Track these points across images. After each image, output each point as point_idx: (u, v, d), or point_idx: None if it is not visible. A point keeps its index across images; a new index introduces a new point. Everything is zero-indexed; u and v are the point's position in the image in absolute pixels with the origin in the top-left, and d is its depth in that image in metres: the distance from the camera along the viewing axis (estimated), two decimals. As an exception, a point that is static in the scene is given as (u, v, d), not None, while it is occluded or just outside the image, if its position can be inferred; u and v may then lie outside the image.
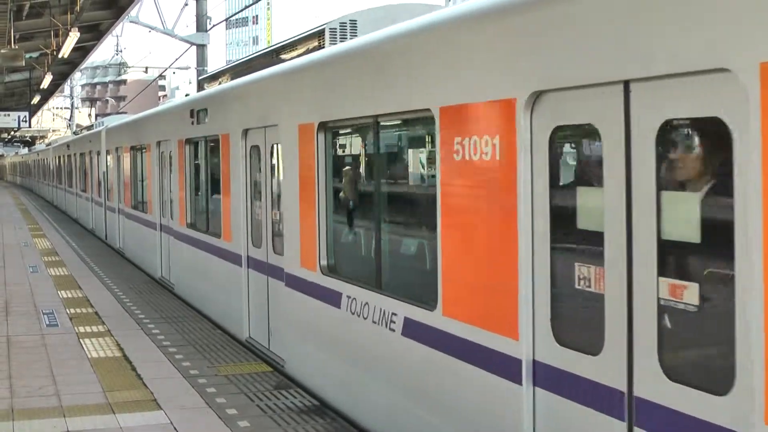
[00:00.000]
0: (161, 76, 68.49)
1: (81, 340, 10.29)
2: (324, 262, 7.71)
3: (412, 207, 7.04)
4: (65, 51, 22.43)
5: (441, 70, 5.70)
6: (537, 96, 4.71)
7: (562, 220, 4.65)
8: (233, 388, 8.09)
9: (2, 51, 21.21)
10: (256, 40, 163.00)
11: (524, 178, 4.77)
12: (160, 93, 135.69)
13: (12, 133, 69.23)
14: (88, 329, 10.91)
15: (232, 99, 10.99)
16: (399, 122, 6.88)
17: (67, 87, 60.75)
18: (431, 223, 5.88)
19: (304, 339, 8.23)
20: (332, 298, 7.39)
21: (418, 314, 5.98)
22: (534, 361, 4.81)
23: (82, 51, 29.20)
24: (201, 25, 26.02)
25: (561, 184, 4.78)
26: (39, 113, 67.76)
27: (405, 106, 6.25)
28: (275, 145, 9.08)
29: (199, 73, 25.66)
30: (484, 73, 5.24)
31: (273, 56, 11.92)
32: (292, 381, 8.32)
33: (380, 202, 6.98)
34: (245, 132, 9.97)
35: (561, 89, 4.54)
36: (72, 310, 12.24)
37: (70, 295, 13.58)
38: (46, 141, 71.15)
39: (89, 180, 26.17)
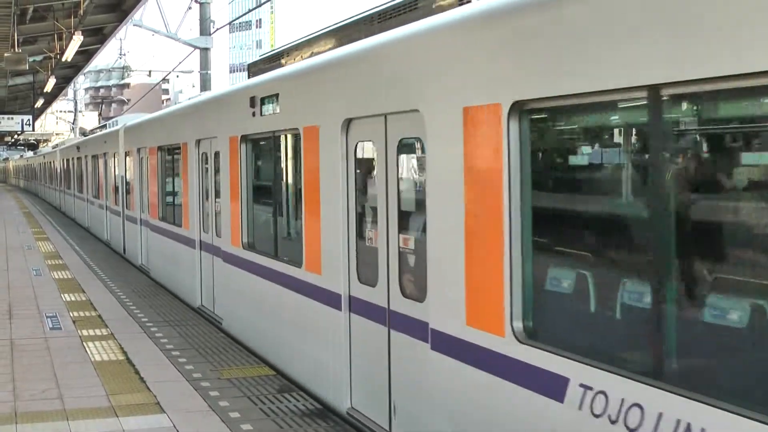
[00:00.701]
0: (165, 80, 68.53)
1: (84, 343, 10.31)
2: (519, 324, 5.04)
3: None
4: (69, 54, 22.52)
5: None
6: None
7: None
8: (236, 392, 8.10)
9: (6, 54, 21.29)
10: (259, 44, 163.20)
11: None
12: (164, 96, 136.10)
13: (16, 136, 69.44)
14: (91, 332, 10.93)
15: (323, 79, 8.12)
16: (725, 90, 3.78)
17: (70, 90, 60.92)
18: None
19: None
20: (543, 384, 4.78)
21: None
22: None
23: (85, 54, 29.28)
24: (204, 29, 26.07)
25: None
26: (42, 117, 68.03)
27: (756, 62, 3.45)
28: (407, 141, 6.58)
29: (201, 77, 25.70)
30: None
31: (373, 22, 8.85)
32: None
33: (664, 228, 4.12)
34: (347, 123, 7.38)
35: None
36: (75, 314, 12.25)
37: (73, 299, 13.60)
38: (51, 143, 71.39)
39: (103, 185, 23.58)
